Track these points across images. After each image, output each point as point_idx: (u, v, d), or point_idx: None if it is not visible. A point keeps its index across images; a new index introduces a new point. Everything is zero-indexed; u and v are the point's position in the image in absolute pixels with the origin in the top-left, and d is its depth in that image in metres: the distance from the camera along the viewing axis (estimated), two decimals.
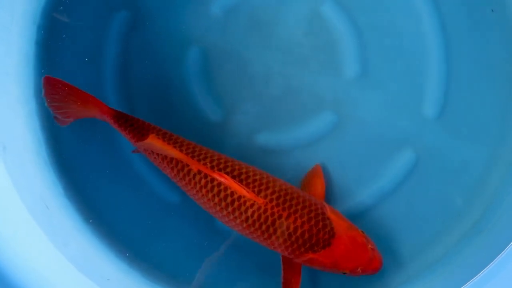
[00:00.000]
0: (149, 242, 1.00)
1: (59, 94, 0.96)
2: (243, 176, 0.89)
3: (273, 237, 0.87)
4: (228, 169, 0.89)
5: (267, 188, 0.88)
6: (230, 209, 0.87)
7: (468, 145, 0.98)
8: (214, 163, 0.89)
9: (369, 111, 1.00)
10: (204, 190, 0.88)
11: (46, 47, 1.02)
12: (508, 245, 0.84)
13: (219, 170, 0.88)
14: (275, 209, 0.87)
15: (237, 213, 0.87)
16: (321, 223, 0.87)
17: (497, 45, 0.98)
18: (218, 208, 0.88)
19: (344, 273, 0.89)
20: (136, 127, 0.93)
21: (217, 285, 0.99)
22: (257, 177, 0.89)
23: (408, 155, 0.99)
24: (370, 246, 0.89)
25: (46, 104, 0.96)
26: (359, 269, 0.88)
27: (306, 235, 0.87)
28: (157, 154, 0.91)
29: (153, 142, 0.91)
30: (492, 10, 0.99)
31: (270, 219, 0.87)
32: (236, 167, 0.90)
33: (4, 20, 0.97)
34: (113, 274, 0.96)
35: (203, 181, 0.88)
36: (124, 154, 1.01)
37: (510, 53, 0.98)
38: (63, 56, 1.03)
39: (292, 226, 0.86)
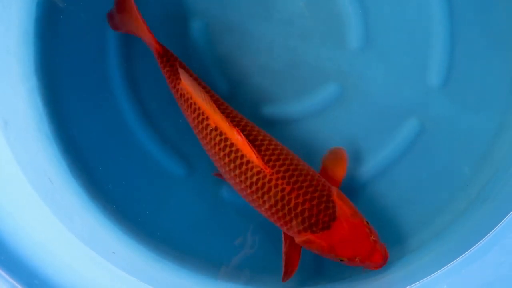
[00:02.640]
0: (155, 216, 1.00)
1: (124, 12, 0.98)
2: (257, 143, 0.88)
3: (274, 209, 0.87)
4: (245, 132, 0.88)
5: (277, 159, 0.87)
6: (237, 171, 0.87)
7: (474, 114, 0.98)
8: (234, 123, 0.89)
9: (374, 81, 1.00)
10: (217, 148, 0.88)
11: (46, 24, 1.01)
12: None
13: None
14: (280, 181, 0.86)
15: (243, 177, 0.87)
16: (323, 205, 0.86)
17: (503, 11, 0.98)
18: (227, 168, 0.88)
19: (341, 261, 0.87)
20: (176, 69, 0.93)
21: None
22: (271, 147, 0.88)
23: (413, 125, 0.99)
24: (372, 237, 0.87)
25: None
26: (357, 259, 0.86)
27: (306, 214, 0.86)
28: (184, 101, 0.91)
29: (183, 87, 0.91)
30: None
31: (273, 190, 0.86)
32: (254, 132, 0.89)
33: None
34: (118, 248, 0.95)
35: (218, 138, 0.88)
36: (128, 128, 1.00)
37: None
38: (63, 33, 1.02)
39: (293, 202, 0.86)
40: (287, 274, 0.91)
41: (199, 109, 0.89)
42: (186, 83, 0.90)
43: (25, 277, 0.80)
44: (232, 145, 0.87)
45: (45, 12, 1.01)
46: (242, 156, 0.86)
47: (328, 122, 1.00)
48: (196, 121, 0.90)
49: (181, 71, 0.92)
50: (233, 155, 0.87)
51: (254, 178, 0.86)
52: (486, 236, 0.85)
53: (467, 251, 0.86)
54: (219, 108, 0.89)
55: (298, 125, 1.00)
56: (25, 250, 0.82)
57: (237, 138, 0.86)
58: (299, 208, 0.86)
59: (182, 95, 0.92)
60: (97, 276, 0.85)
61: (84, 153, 1.00)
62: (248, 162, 0.86)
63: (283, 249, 0.92)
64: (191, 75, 0.94)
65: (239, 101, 1.01)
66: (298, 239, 0.88)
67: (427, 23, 0.99)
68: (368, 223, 0.88)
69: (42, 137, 0.99)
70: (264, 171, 0.86)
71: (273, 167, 0.86)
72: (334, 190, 0.89)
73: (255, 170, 0.86)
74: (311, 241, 0.87)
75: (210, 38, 1.02)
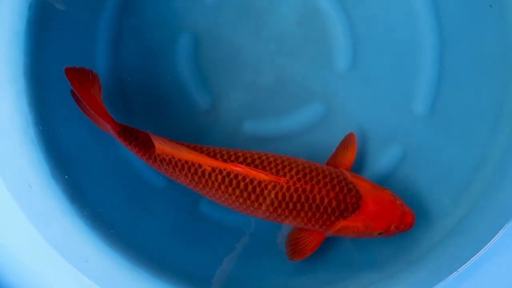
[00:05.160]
0: (132, 225, 1.00)
1: (79, 103, 0.97)
2: (257, 162, 0.89)
3: (302, 213, 0.88)
4: (240, 159, 0.89)
5: (283, 167, 0.88)
6: (253, 197, 0.88)
7: (456, 145, 0.97)
8: (225, 157, 0.89)
9: (359, 105, 0.99)
10: (223, 187, 0.88)
11: (38, 27, 1.01)
12: (489, 243, 0.84)
13: (232, 162, 0.88)
14: (298, 184, 0.87)
15: (261, 199, 0.88)
16: (345, 188, 0.88)
17: (492, 45, 0.97)
18: (241, 200, 0.88)
19: (380, 234, 0.90)
20: (141, 141, 0.92)
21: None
22: (271, 159, 0.89)
23: (395, 152, 0.98)
24: (398, 202, 0.90)
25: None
26: (392, 227, 0.89)
27: (334, 203, 0.87)
28: (168, 165, 0.91)
29: (161, 151, 0.90)
30: (490, 6, 0.97)
31: (295, 195, 0.87)
32: (247, 155, 0.90)
33: None
34: (93, 256, 0.96)
35: (219, 177, 0.88)
36: (112, 137, 1.01)
37: (505, 53, 0.97)
38: (54, 37, 1.02)
39: (318, 197, 0.87)
40: (299, 256, 0.92)
41: (186, 162, 0.89)
42: (162, 146, 0.89)
43: None
44: (236, 176, 0.87)
45: (37, 15, 1.01)
46: (252, 180, 0.87)
47: (310, 143, 1.00)
48: (189, 175, 0.90)
49: (152, 136, 0.90)
50: (242, 184, 0.88)
51: (273, 194, 0.87)
52: (458, 270, 0.85)
53: (437, 283, 0.86)
54: (203, 152, 0.90)
55: (280, 143, 1.00)
56: None
57: (237, 169, 0.87)
58: (326, 201, 0.87)
59: (162, 160, 0.91)
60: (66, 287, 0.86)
61: (66, 158, 1.01)
62: (260, 182, 0.87)
63: (297, 236, 0.92)
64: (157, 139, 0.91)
65: (221, 115, 1.01)
66: (331, 231, 0.90)
67: (416, 51, 0.98)
68: (389, 190, 0.91)
69: (26, 140, 0.99)
70: (279, 183, 0.87)
71: (284, 175, 0.88)
72: (347, 172, 0.91)
73: (269, 186, 0.87)
74: (346, 227, 0.89)
75: (197, 50, 1.02)
